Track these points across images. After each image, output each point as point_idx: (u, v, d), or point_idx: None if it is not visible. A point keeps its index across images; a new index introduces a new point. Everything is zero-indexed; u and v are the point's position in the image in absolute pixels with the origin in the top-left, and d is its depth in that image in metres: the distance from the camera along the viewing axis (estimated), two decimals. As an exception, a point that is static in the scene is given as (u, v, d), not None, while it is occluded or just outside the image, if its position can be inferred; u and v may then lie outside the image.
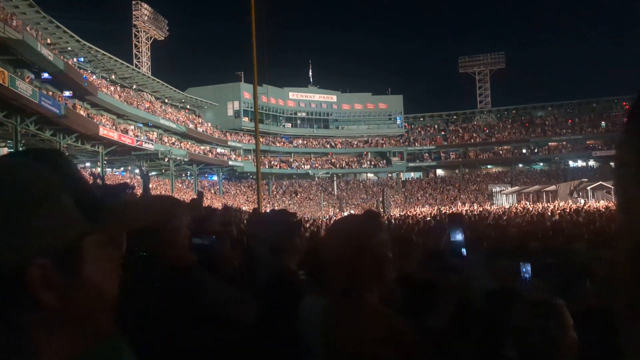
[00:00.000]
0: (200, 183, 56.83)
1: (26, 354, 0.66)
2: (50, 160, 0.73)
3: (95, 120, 38.70)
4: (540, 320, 2.20)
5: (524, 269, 4.00)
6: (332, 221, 30.34)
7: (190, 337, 2.05)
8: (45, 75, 34.36)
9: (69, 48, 40.55)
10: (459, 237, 4.85)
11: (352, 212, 40.09)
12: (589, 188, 44.99)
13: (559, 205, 35.79)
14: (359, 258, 1.80)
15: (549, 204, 40.46)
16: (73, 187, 0.72)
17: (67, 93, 37.55)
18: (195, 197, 8.54)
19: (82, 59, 43.22)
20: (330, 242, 1.98)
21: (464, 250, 4.73)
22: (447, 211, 34.19)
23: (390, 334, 1.69)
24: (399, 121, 77.23)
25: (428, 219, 22.54)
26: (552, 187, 50.11)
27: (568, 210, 25.53)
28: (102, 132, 37.37)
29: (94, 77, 45.05)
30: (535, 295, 2.44)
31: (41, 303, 0.65)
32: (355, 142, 75.88)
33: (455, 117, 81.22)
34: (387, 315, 1.78)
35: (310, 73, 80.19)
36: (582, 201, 40.58)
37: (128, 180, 39.36)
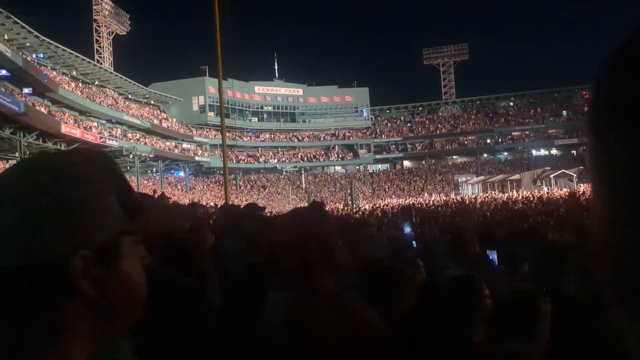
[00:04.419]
0: (166, 179, 56.12)
1: (59, 340, 0.70)
2: (98, 160, 0.78)
3: (56, 118, 37.85)
4: (458, 294, 2.42)
5: (491, 257, 4.07)
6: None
7: (158, 334, 2.03)
8: (3, 72, 33.54)
9: (28, 44, 39.51)
10: (407, 229, 4.90)
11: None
12: (551, 176, 45.83)
13: (523, 193, 36.43)
14: (307, 246, 1.90)
15: (513, 192, 41.17)
16: (117, 187, 0.77)
17: (26, 90, 36.71)
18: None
19: (41, 55, 42.25)
20: (281, 234, 2.09)
21: (414, 243, 4.78)
22: (413, 202, 34.54)
23: (349, 315, 1.77)
24: (365, 113, 77.57)
25: (395, 211, 22.70)
26: (516, 176, 50.92)
27: (532, 199, 26.05)
28: (64, 129, 36.52)
29: (55, 73, 43.88)
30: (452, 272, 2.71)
31: (80, 292, 0.69)
32: (322, 135, 75.93)
33: (420, 108, 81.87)
34: (343, 296, 1.88)
35: (276, 66, 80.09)
36: (546, 189, 41.36)
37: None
